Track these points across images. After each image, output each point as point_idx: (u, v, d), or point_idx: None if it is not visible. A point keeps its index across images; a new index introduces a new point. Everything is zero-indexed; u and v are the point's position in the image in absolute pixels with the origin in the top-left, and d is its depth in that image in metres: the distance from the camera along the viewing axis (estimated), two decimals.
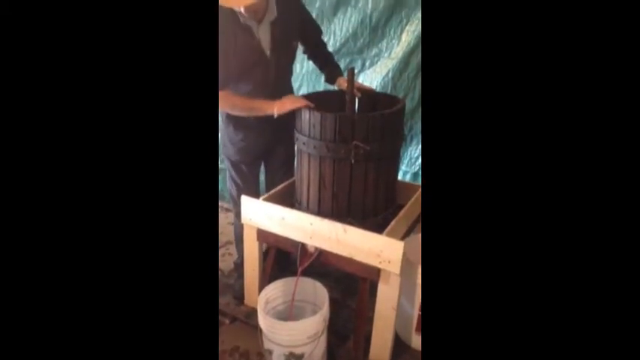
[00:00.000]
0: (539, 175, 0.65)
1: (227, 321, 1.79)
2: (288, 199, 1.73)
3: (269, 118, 1.57)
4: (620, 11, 0.61)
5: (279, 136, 1.74)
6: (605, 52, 0.62)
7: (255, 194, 1.80)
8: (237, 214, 1.81)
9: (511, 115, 0.66)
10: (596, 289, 0.63)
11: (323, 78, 1.82)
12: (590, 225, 0.63)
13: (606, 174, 0.63)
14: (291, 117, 1.57)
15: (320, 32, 1.78)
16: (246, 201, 1.66)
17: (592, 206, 0.63)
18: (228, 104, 1.58)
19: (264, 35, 1.54)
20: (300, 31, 1.65)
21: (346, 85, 1.59)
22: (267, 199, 1.66)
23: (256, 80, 1.59)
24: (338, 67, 1.79)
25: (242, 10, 1.41)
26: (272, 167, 1.89)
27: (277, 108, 1.52)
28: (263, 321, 1.44)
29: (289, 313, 1.57)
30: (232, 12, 1.48)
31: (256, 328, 1.69)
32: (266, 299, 1.54)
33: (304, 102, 1.51)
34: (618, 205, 0.62)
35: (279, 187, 1.76)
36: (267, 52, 1.56)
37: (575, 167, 0.64)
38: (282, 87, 1.67)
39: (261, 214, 1.62)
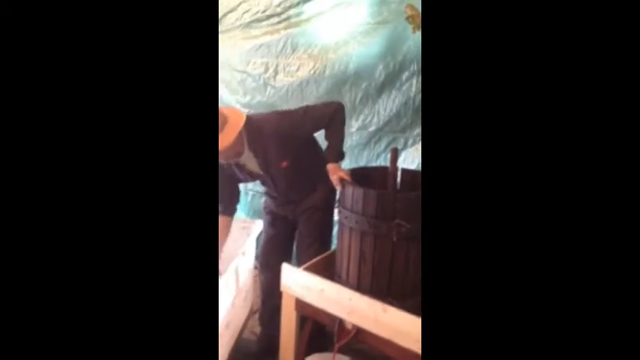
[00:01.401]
0: (545, 251, 0.64)
1: None
2: (329, 270, 1.75)
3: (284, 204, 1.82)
4: (620, 11, 0.61)
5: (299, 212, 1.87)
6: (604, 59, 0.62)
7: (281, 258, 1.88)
8: (262, 272, 1.93)
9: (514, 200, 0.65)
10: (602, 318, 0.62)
11: (366, 152, 1.92)
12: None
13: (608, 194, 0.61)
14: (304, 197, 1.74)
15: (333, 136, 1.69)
16: (286, 269, 1.70)
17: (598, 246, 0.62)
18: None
19: (250, 161, 1.74)
20: (300, 148, 1.72)
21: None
22: (307, 269, 1.69)
23: (267, 185, 1.84)
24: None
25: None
26: (300, 237, 1.95)
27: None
28: None
29: None
30: None
31: None
32: None
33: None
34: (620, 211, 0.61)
35: (320, 257, 1.79)
36: (260, 172, 1.76)
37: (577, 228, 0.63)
38: (298, 188, 1.81)
39: (300, 284, 1.65)
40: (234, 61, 2.68)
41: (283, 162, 1.70)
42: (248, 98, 2.70)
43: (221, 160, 1.64)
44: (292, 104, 2.48)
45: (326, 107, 1.70)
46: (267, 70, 2.55)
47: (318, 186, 1.78)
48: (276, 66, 2.48)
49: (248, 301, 2.05)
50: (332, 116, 1.67)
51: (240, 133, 1.61)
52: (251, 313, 2.07)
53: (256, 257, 1.96)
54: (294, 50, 2.41)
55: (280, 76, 2.51)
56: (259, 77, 2.59)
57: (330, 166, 1.61)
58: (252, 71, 2.62)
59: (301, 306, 1.68)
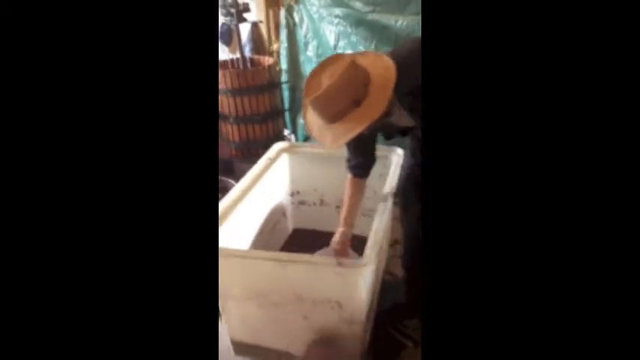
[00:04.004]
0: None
1: (410, 344, 1.62)
2: None
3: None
4: (620, 11, 0.58)
5: None
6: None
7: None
8: (404, 209, 1.65)
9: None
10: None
11: None
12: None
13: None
14: None
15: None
16: None
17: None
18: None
19: (401, 118, 1.43)
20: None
21: None
22: None
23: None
24: None
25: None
26: None
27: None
28: None
29: None
30: None
31: None
32: None
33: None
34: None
35: None
36: (413, 124, 1.45)
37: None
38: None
39: None
40: None
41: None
42: None
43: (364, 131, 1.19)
44: None
45: None
46: None
47: None
48: None
49: (387, 239, 1.85)
50: None
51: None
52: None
53: (397, 194, 1.67)
54: None
55: None
56: None
57: None
58: None
59: None
